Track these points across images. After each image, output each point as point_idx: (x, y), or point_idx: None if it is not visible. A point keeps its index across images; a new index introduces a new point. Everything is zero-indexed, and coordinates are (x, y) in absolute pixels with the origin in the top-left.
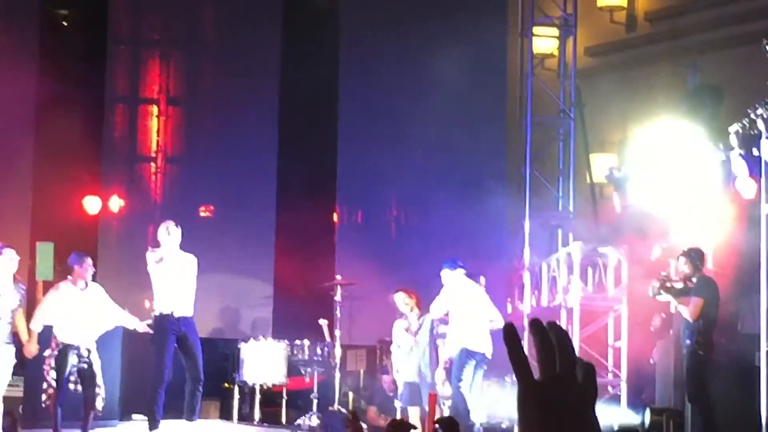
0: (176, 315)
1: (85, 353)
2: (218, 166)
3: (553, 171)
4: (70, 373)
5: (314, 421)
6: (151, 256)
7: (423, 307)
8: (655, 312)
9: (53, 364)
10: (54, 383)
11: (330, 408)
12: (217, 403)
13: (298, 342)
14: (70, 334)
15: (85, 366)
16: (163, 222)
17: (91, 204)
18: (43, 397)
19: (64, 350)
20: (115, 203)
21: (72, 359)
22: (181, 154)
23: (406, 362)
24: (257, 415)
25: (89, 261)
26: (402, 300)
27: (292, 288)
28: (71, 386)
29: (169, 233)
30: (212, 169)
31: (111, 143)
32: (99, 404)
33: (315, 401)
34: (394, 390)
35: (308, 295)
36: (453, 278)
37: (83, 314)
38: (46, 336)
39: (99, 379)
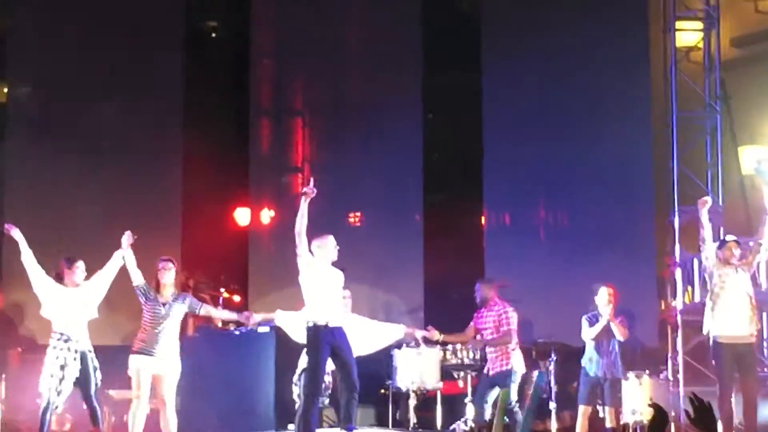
0: (331, 325)
1: None
2: (364, 173)
3: (701, 165)
4: None
5: (469, 425)
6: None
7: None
8: None
9: None
10: None
11: None
12: (372, 410)
13: (450, 347)
14: None
15: None
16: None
17: (242, 216)
18: None
19: None
20: (266, 215)
21: None
22: (327, 163)
23: None
24: (412, 420)
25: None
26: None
27: (442, 292)
28: None
29: (322, 247)
30: (358, 177)
31: (258, 155)
32: None
33: (469, 405)
34: (548, 391)
35: (459, 299)
36: None
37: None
38: None
39: None
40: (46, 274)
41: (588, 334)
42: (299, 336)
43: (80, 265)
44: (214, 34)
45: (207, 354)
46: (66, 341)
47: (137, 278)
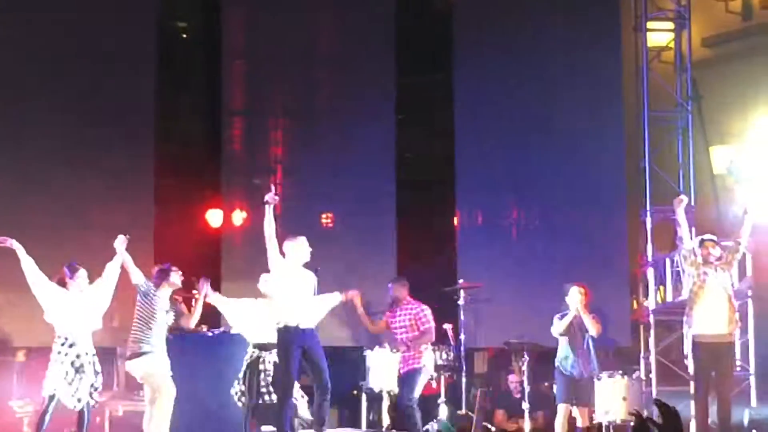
0: (301, 327)
1: None
2: (337, 174)
3: (672, 165)
4: None
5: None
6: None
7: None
8: None
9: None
10: None
11: (458, 412)
12: (345, 411)
13: (424, 347)
14: None
15: None
16: (290, 237)
17: (214, 217)
18: None
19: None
20: (238, 216)
21: None
22: (299, 163)
23: None
24: (385, 421)
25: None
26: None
27: (415, 293)
28: None
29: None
30: (331, 179)
31: (230, 156)
32: None
33: (443, 405)
34: (520, 392)
35: (431, 300)
36: None
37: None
38: None
39: None
40: (48, 279)
41: (557, 327)
42: (235, 322)
43: (82, 274)
44: (185, 35)
45: (178, 356)
46: (71, 346)
47: (138, 277)
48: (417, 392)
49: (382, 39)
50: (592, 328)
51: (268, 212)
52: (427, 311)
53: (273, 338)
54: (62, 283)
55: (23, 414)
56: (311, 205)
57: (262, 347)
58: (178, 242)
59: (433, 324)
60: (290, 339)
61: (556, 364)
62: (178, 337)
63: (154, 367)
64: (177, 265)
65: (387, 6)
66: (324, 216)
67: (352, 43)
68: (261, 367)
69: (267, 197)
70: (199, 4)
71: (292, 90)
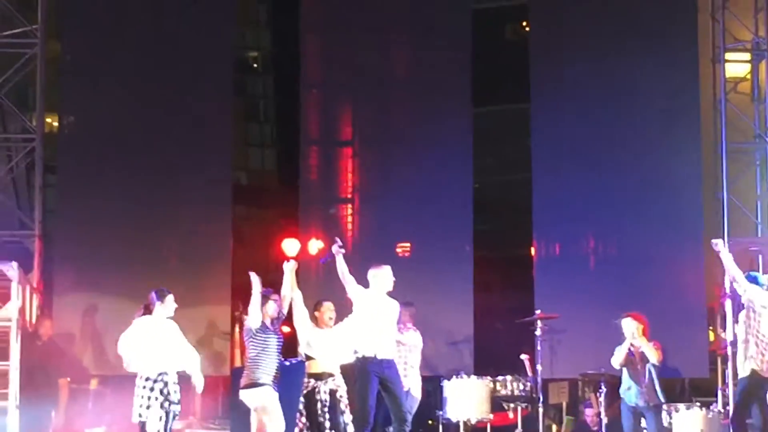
0: (379, 357)
1: None
2: (413, 203)
3: (751, 197)
4: None
5: None
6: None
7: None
8: None
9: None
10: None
11: None
12: None
13: (500, 377)
14: None
15: None
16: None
17: (290, 246)
18: None
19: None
20: (314, 245)
21: None
22: (376, 193)
23: None
24: None
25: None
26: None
27: (492, 323)
28: None
29: (378, 277)
30: (407, 208)
31: (307, 185)
32: None
33: None
34: (598, 423)
35: (508, 330)
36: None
37: None
38: None
39: None
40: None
41: (616, 358)
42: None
43: (170, 298)
44: (262, 64)
45: None
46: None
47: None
48: None
49: (459, 66)
50: (653, 356)
51: (339, 262)
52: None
53: (330, 367)
54: (148, 311)
55: None
56: (388, 233)
57: (317, 377)
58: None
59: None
60: (367, 369)
61: (621, 395)
62: None
63: (267, 400)
64: None
65: (463, 33)
66: (400, 245)
67: (429, 71)
68: (317, 397)
69: (333, 249)
70: (277, 34)
71: (369, 118)
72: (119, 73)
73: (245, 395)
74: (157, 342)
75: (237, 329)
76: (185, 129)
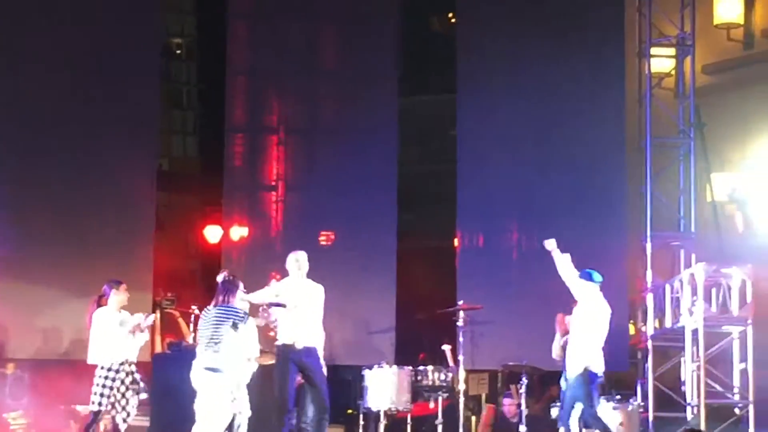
0: (299, 346)
1: None
2: (338, 192)
3: (673, 191)
4: None
5: None
6: (276, 285)
7: None
8: None
9: None
10: None
11: None
12: (341, 430)
13: (421, 368)
14: None
15: None
16: (293, 252)
17: (212, 233)
18: None
19: None
20: (237, 232)
21: None
22: (300, 181)
23: None
24: None
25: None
26: None
27: (414, 314)
28: None
29: (299, 264)
30: (332, 196)
31: (231, 172)
32: None
33: (439, 427)
34: (517, 415)
35: (430, 321)
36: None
37: None
38: None
39: None
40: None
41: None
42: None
43: (123, 287)
44: (186, 51)
45: (178, 371)
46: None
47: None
48: None
49: (385, 58)
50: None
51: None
52: None
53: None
54: (101, 302)
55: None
56: (312, 222)
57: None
58: (178, 257)
59: None
60: (286, 356)
61: (562, 386)
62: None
63: None
64: (176, 280)
65: (390, 25)
66: (324, 233)
67: (355, 62)
68: None
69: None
70: (203, 21)
71: (295, 107)
72: (42, 59)
73: None
74: (117, 332)
75: (158, 315)
76: (110, 116)
